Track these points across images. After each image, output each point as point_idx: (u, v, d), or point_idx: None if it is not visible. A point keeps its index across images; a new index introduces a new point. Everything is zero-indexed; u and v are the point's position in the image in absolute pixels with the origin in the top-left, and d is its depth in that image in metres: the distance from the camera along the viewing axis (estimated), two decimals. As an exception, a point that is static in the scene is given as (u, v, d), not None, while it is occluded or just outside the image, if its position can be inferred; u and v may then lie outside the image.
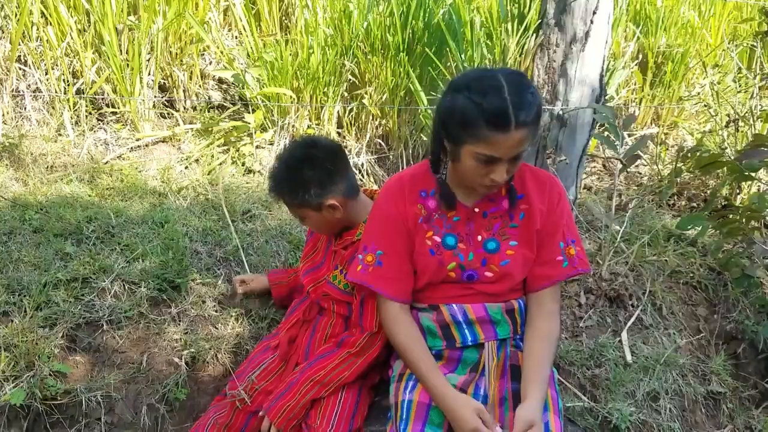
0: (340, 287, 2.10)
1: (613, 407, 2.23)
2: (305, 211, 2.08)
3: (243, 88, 3.44)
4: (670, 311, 2.72)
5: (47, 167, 2.96)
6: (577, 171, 3.05)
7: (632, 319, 2.60)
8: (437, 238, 1.87)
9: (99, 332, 2.20)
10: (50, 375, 2.05)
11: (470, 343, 1.88)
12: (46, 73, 3.30)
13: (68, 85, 3.29)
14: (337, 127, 3.58)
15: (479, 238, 1.86)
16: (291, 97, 3.33)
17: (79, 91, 3.33)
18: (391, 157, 3.65)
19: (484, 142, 1.61)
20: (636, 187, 3.83)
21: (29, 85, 3.25)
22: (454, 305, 1.89)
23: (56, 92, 3.24)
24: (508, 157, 1.65)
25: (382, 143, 3.64)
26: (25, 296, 2.18)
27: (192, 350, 2.23)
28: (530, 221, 1.87)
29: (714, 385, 2.54)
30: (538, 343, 1.85)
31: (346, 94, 3.58)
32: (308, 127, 3.47)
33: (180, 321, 2.30)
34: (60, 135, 3.21)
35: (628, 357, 2.43)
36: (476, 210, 1.87)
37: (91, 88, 3.30)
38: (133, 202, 2.74)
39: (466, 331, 1.88)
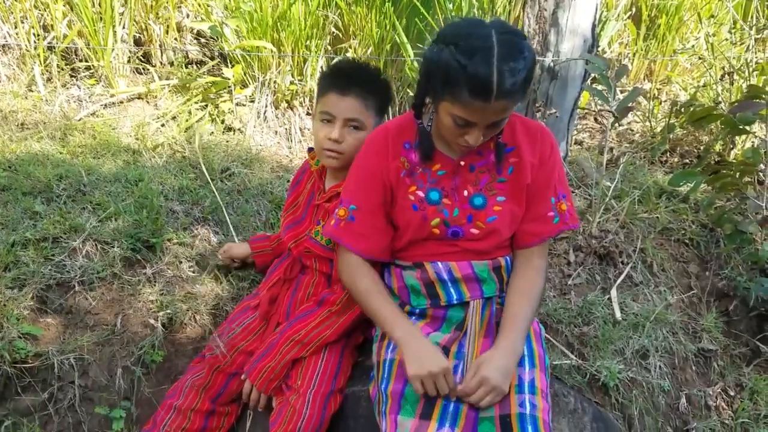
0: (322, 243, 2.02)
1: (601, 365, 2.19)
2: (371, 121, 1.94)
3: (221, 41, 3.30)
4: (660, 268, 2.67)
5: (18, 124, 2.83)
6: (568, 126, 2.95)
7: (622, 277, 2.55)
8: (421, 193, 1.78)
9: (70, 293, 2.12)
10: (20, 337, 1.97)
11: (455, 302, 1.81)
12: (15, 27, 3.15)
13: (38, 38, 3.15)
14: (321, 83, 3.45)
15: (465, 193, 1.78)
16: (271, 50, 3.20)
17: (50, 47, 3.19)
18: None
19: (462, 105, 1.54)
20: (628, 144, 3.74)
21: (-4, 39, 3.11)
22: (439, 263, 1.81)
23: (26, 47, 3.09)
24: (485, 123, 1.58)
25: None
26: (-8, 256, 2.09)
27: (168, 311, 2.15)
28: (520, 175, 1.78)
29: (705, 342, 2.50)
30: (518, 297, 1.79)
31: (329, 48, 3.45)
32: (291, 83, 3.35)
33: (156, 282, 2.22)
34: (31, 91, 3.07)
35: (618, 314, 2.37)
36: (462, 163, 1.78)
37: (62, 42, 3.16)
38: (105, 160, 2.63)
39: (451, 289, 1.81)
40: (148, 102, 3.23)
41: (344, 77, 1.93)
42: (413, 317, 1.85)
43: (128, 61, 3.32)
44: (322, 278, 2.07)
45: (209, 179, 2.39)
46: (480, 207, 1.77)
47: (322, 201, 2.05)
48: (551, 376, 2.08)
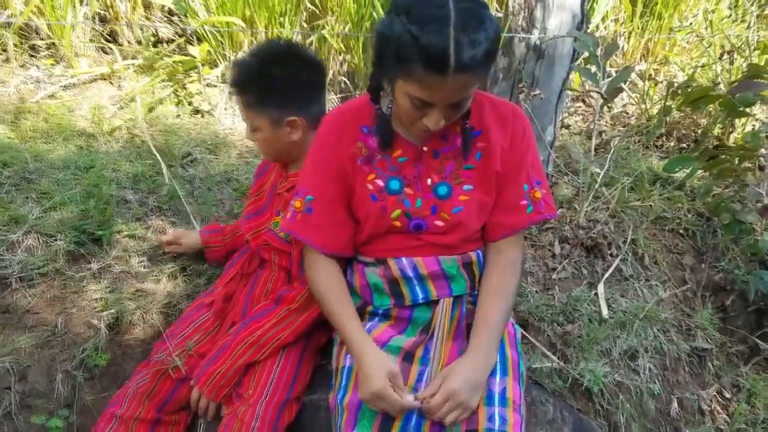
0: (280, 235, 1.84)
1: (584, 368, 2.01)
2: (261, 119, 1.79)
3: (188, 17, 3.10)
4: (653, 261, 2.49)
5: (-33, 107, 2.65)
6: (556, 108, 2.76)
7: (610, 270, 2.37)
8: (380, 182, 1.61)
9: (8, 291, 1.95)
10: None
11: (421, 301, 1.64)
12: (-32, 3, 2.96)
13: (-8, 16, 2.96)
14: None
15: (429, 181, 1.61)
16: (242, 27, 3.00)
17: (8, 23, 2.99)
18: (357, 96, 3.34)
19: (417, 82, 1.35)
20: (622, 128, 3.55)
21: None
22: (403, 259, 1.64)
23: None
24: (444, 103, 1.40)
25: (347, 81, 3.33)
26: None
27: (114, 311, 1.98)
28: (488, 161, 1.61)
29: (699, 340, 2.33)
30: (491, 298, 1.62)
31: (305, 25, 3.25)
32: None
33: (102, 278, 2.04)
34: (-15, 72, 2.89)
35: (604, 312, 2.20)
36: (425, 149, 1.60)
37: (20, 18, 2.96)
38: (57, 145, 2.45)
39: (417, 287, 1.64)
40: (111, 83, 3.04)
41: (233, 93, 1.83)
42: (376, 318, 1.69)
43: (91, 40, 3.13)
44: (281, 273, 1.90)
45: (162, 164, 2.20)
46: (444, 197, 1.60)
47: (283, 190, 1.88)
48: (528, 381, 1.92)
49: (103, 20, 3.27)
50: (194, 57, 2.97)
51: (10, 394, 1.85)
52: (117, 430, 1.76)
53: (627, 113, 3.71)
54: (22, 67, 2.99)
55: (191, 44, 3.10)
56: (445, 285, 1.65)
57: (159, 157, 2.30)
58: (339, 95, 3.31)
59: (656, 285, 2.40)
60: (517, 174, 1.64)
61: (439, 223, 1.61)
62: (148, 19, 3.32)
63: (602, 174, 2.65)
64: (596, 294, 2.26)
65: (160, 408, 1.81)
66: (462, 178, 1.61)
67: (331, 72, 3.25)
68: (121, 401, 1.79)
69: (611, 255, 2.44)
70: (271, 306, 1.81)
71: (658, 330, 2.24)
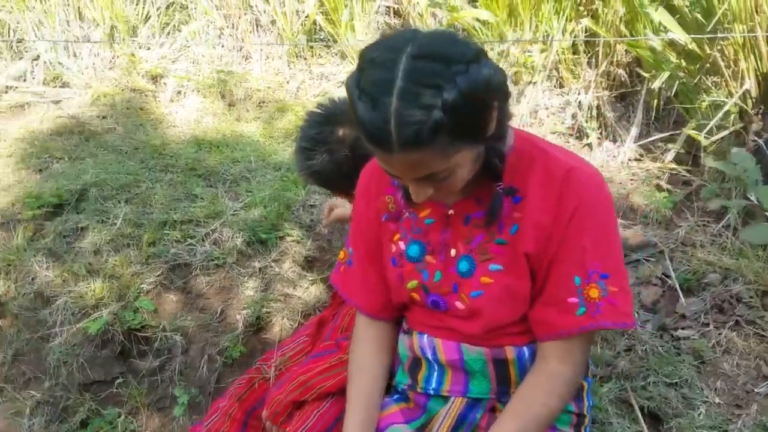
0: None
1: None
2: (339, 197, 1.88)
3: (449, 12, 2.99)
4: None
5: (257, 103, 3.10)
6: None
7: None
8: (402, 245, 1.38)
9: (191, 276, 2.28)
10: (139, 310, 2.22)
11: (431, 392, 1.38)
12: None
13: (294, 15, 3.33)
14: (573, 54, 2.84)
15: (452, 252, 1.30)
16: (494, 21, 2.77)
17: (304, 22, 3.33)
18: (642, 92, 2.75)
19: (375, 153, 1.11)
20: None
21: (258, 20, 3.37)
22: (425, 336, 1.39)
23: (283, 29, 3.32)
24: (411, 177, 1.12)
25: (626, 73, 2.78)
26: (146, 231, 2.36)
27: (257, 309, 2.16)
28: (522, 238, 1.22)
29: None
30: (505, 415, 1.26)
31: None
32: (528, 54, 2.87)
33: (259, 277, 2.23)
34: (288, 68, 3.31)
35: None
36: (451, 212, 1.30)
37: (307, 19, 3.27)
38: (287, 145, 2.71)
39: (435, 374, 1.39)
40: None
41: None
42: (396, 395, 1.48)
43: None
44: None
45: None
46: (465, 275, 1.28)
47: None
48: None
49: (396, 13, 3.40)
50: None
51: (176, 362, 2.20)
52: (216, 422, 1.94)
53: None
54: (319, 64, 3.34)
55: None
56: (461, 380, 1.35)
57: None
58: (613, 92, 2.80)
59: None
60: (564, 260, 1.20)
61: (459, 305, 1.30)
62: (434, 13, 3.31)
63: None
64: (811, 433, 1.50)
65: (249, 412, 1.92)
66: (490, 254, 1.26)
67: (603, 65, 2.76)
68: (227, 395, 1.98)
69: None
70: (332, 348, 1.74)
71: None
